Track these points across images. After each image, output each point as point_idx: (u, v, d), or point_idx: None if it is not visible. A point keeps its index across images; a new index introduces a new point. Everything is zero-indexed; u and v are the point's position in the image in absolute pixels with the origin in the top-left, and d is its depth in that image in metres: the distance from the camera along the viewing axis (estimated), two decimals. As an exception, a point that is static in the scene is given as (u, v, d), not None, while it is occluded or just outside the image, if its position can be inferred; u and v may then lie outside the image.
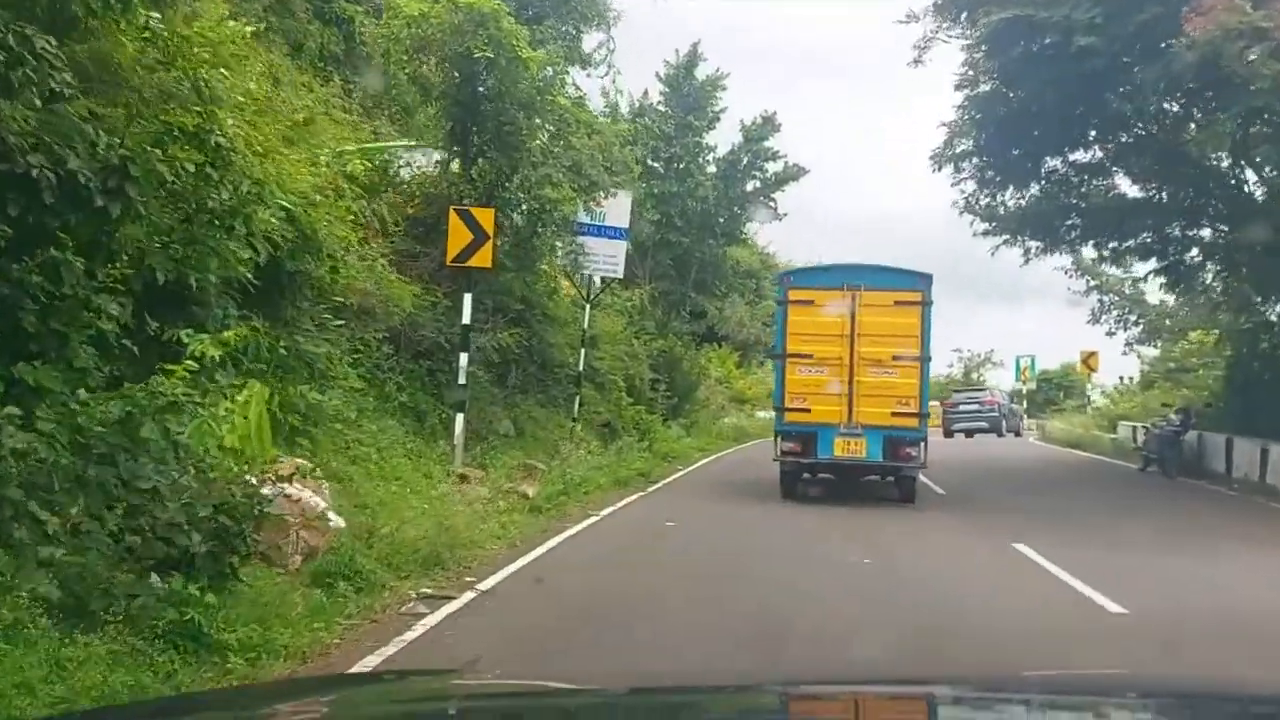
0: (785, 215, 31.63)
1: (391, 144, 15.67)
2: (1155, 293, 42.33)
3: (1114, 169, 22.82)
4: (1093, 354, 44.35)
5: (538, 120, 15.30)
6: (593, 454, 18.79)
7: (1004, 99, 19.34)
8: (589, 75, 17.29)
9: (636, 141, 30.04)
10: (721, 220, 31.27)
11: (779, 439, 15.82)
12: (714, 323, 42.63)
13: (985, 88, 19.61)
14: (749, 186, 31.33)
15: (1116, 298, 44.14)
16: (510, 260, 16.39)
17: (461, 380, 13.69)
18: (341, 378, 11.64)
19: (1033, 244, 24.52)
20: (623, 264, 20.37)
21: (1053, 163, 22.18)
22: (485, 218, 13.76)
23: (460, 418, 13.64)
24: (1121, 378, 45.49)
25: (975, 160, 21.54)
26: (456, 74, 14.82)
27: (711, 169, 31.24)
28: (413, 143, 16.02)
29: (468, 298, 13.77)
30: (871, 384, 14.87)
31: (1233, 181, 22.55)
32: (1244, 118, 14.89)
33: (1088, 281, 43.99)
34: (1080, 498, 18.01)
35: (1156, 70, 15.68)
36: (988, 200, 23.00)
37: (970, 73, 19.78)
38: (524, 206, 15.16)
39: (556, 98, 15.43)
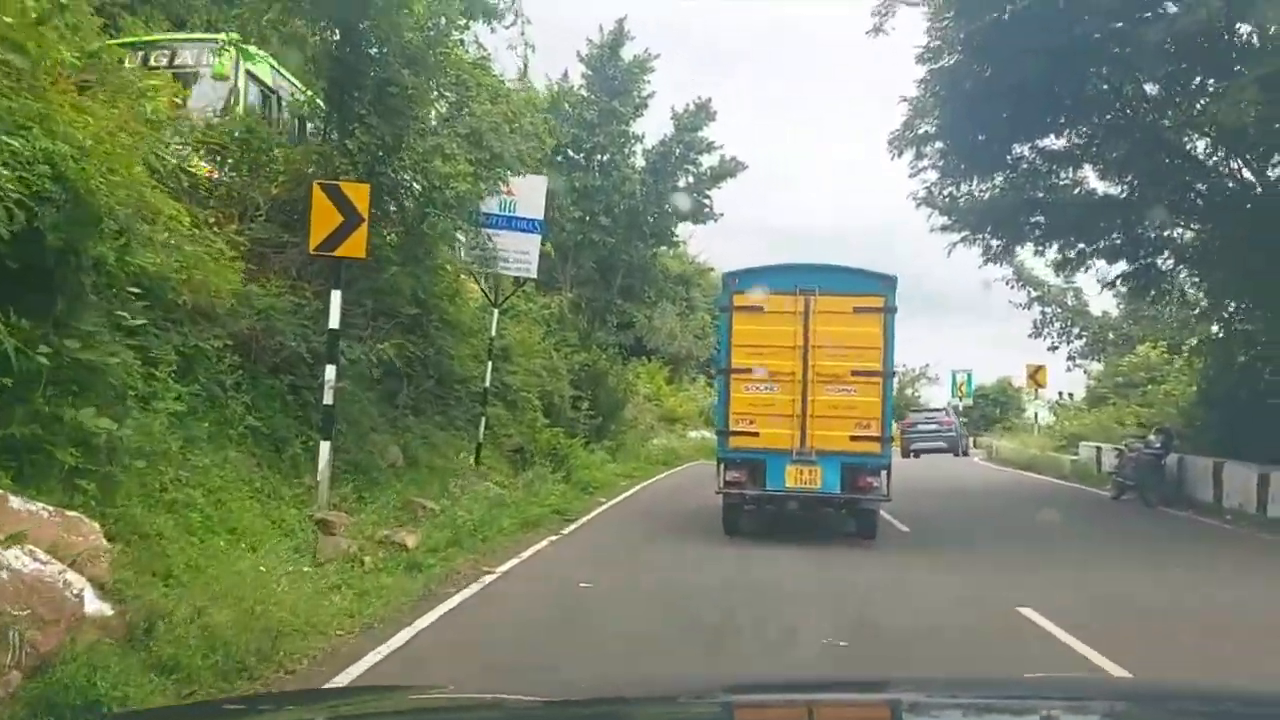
0: (721, 215, 29.40)
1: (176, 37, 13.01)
2: (1099, 303, 42.02)
3: (1086, 160, 20.95)
4: (1040, 369, 42.96)
5: (428, 80, 12.73)
6: (500, 486, 16.32)
7: (972, 73, 17.31)
8: (493, 30, 14.62)
9: (553, 118, 27.64)
10: (651, 219, 28.90)
11: (722, 467, 13.91)
12: (643, 334, 40.32)
13: (950, 60, 17.54)
14: (681, 182, 28.95)
15: (1059, 309, 43.73)
16: (397, 253, 13.83)
17: (327, 399, 11.06)
18: (160, 396, 8.94)
19: (994, 242, 22.61)
20: (536, 262, 17.89)
21: (1020, 149, 20.28)
22: (358, 194, 11.19)
23: (325, 447, 11.00)
24: (1061, 393, 44.21)
25: (938, 144, 19.50)
26: (329, 21, 12.23)
27: (639, 162, 28.83)
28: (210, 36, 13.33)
29: (336, 296, 11.16)
30: (828, 403, 13.34)
31: (1219, 173, 20.88)
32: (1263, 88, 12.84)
33: (1029, 292, 43.47)
34: (1062, 535, 15.96)
35: (1159, 29, 13.58)
36: (950, 190, 21.06)
37: (935, 43, 17.74)
38: (414, 185, 12.57)
39: (451, 51, 12.89)
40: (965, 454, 42.83)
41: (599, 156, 28.46)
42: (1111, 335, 42.51)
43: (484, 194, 14.45)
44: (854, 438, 13.29)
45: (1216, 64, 16.37)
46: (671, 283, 31.31)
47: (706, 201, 28.94)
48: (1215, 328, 23.55)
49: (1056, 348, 40.01)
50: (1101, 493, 22.32)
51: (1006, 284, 42.55)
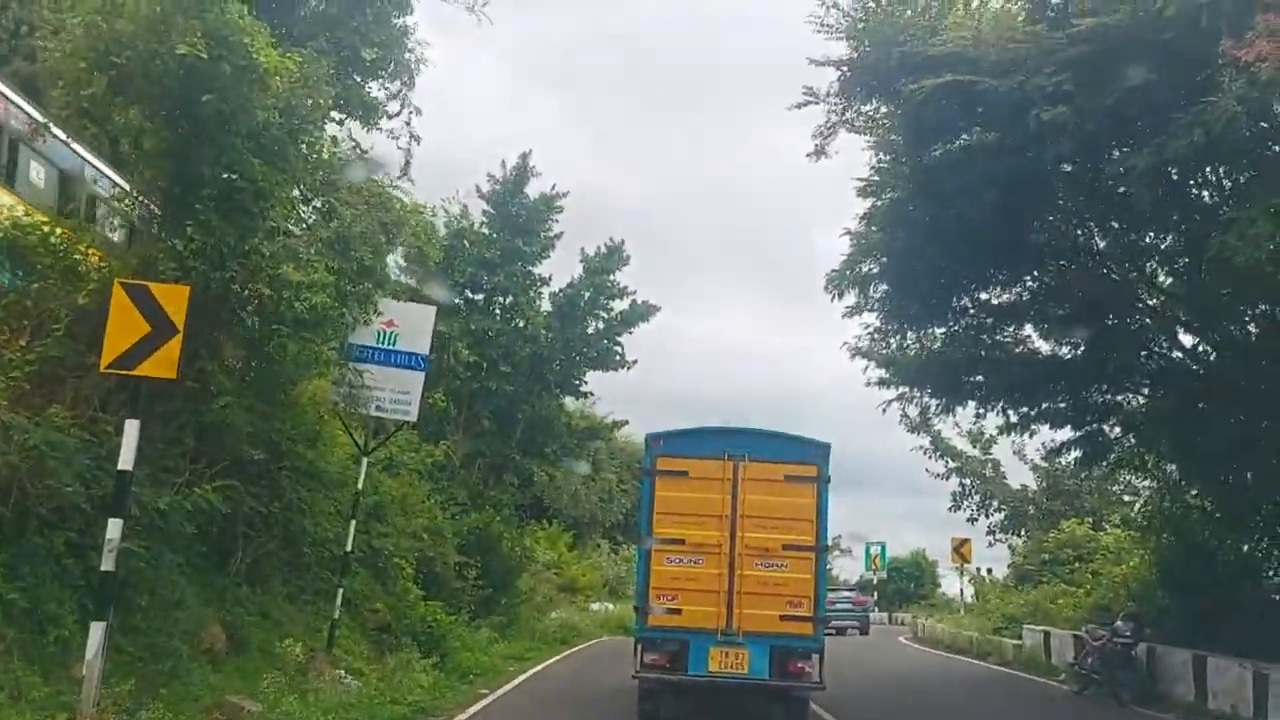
0: (634, 362, 27.42)
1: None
2: (1018, 476, 40.96)
3: (1029, 319, 19.75)
4: (965, 542, 41.39)
5: (287, 175, 10.68)
6: (358, 674, 13.61)
7: (916, 212, 15.94)
8: (368, 130, 12.69)
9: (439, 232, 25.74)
10: (557, 367, 26.81)
11: (640, 647, 12.64)
12: (543, 493, 37.81)
13: (892, 197, 16.19)
14: (590, 328, 27.05)
15: (978, 481, 42.66)
16: (236, 382, 11.46)
17: (106, 564, 8.51)
18: None
19: (933, 401, 21.08)
20: (418, 404, 15.58)
21: (964, 300, 18.95)
22: (174, 299, 8.95)
23: (98, 629, 8.40)
24: (979, 569, 42.59)
25: (881, 287, 18.04)
26: (159, 90, 10.16)
27: (545, 306, 26.94)
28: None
29: (132, 427, 8.73)
30: (757, 579, 12.40)
31: (1166, 338, 19.81)
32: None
33: (947, 463, 42.59)
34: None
35: (1146, 157, 12.19)
36: (893, 340, 19.59)
37: (877, 176, 16.44)
38: (262, 291, 10.33)
39: (317, 142, 10.91)
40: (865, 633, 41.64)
41: (500, 299, 26.54)
42: (1031, 509, 41.72)
43: (352, 316, 12.22)
44: (784, 618, 12.31)
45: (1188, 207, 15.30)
46: (579, 437, 28.95)
47: (618, 348, 27.01)
48: (1166, 502, 22.08)
49: (975, 520, 39.93)
50: (1055, 684, 20.25)
51: (924, 452, 42.40)
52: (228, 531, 12.37)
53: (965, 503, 42.28)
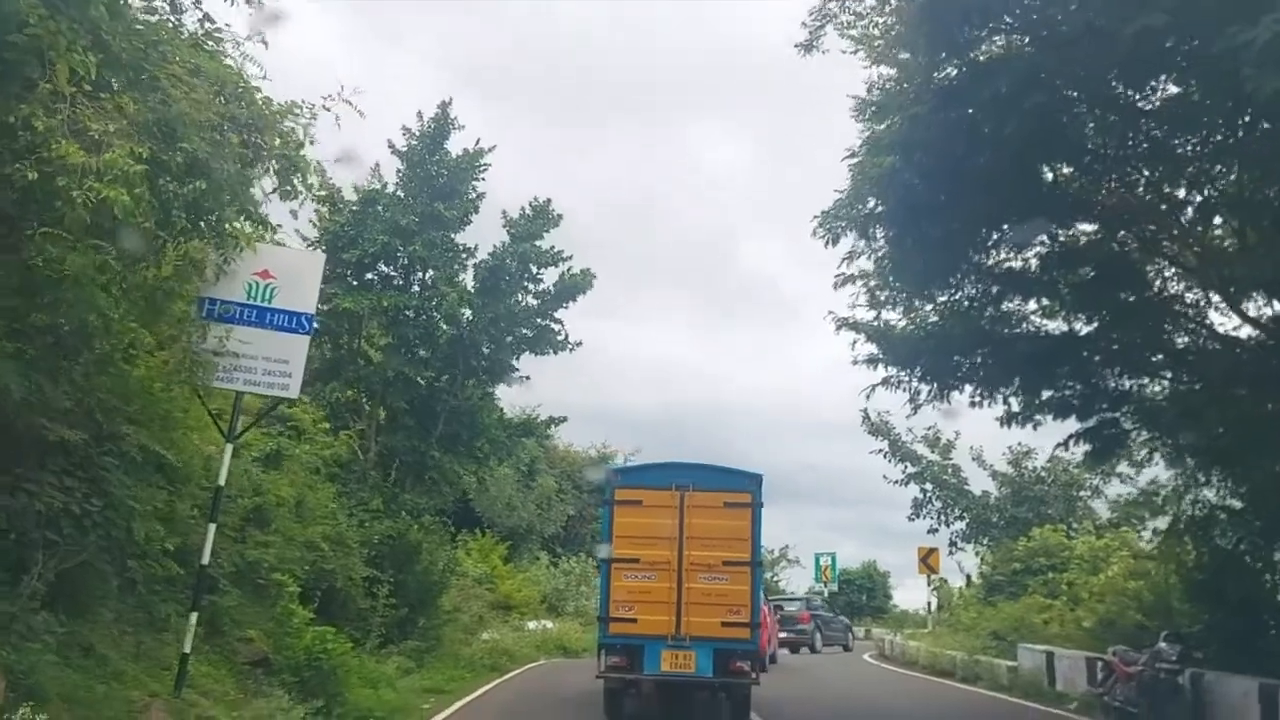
0: (579, 344, 24.25)
1: None
2: (979, 482, 39.18)
3: (1043, 291, 17.12)
4: (933, 551, 39.13)
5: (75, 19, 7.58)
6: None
7: (933, 133, 13.11)
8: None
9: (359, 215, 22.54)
10: (484, 350, 23.67)
11: (603, 652, 15.02)
12: (473, 499, 34.65)
13: (901, 115, 13.29)
14: (520, 303, 23.80)
15: (938, 489, 40.45)
16: None
17: None
18: None
19: (923, 386, 18.37)
20: (300, 376, 12.47)
21: (976, 258, 16.15)
22: None
23: None
24: (932, 578, 40.33)
25: (880, 233, 15.22)
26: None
27: (470, 282, 23.72)
28: None
29: None
30: (701, 591, 14.64)
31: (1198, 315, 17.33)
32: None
33: (906, 468, 40.46)
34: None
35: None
36: (890, 303, 16.87)
37: (878, 95, 13.63)
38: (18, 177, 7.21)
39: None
40: (846, 647, 40.51)
41: (419, 272, 23.34)
42: (995, 517, 39.70)
43: (181, 235, 9.10)
44: (725, 624, 14.49)
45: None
46: (510, 433, 25.67)
47: (555, 325, 23.86)
48: (1187, 505, 19.57)
49: (936, 530, 38.75)
50: (1069, 715, 17.61)
51: (884, 456, 40.31)
52: (21, 538, 9.26)
53: (925, 510, 40.96)
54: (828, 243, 15.08)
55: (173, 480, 12.03)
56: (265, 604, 13.96)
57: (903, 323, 17.52)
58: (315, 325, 13.10)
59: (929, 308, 17.49)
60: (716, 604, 14.48)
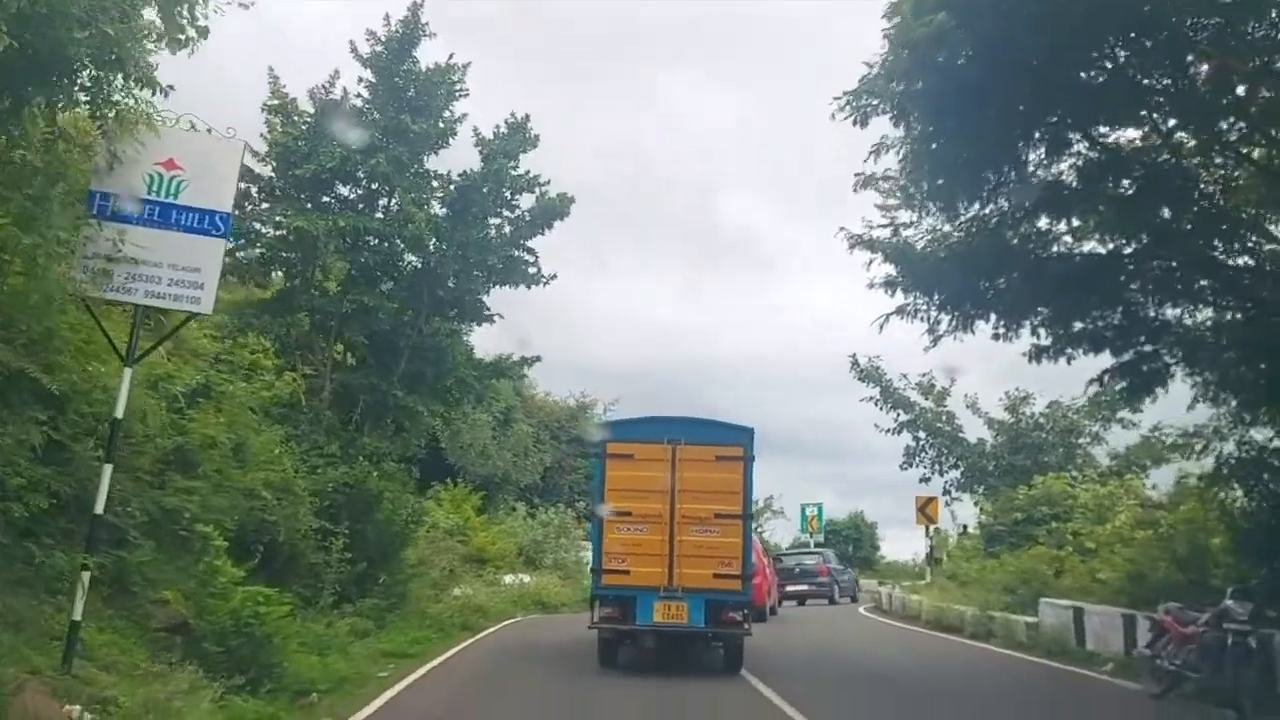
0: (553, 277, 22.14)
1: None
2: (974, 430, 37.68)
3: (1083, 199, 15.12)
4: (931, 500, 37.48)
5: None
6: (102, 712, 8.67)
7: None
8: None
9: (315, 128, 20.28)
10: (451, 283, 21.56)
11: (596, 604, 15.44)
12: (445, 446, 32.69)
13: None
14: (492, 231, 21.61)
15: (932, 437, 38.77)
16: None
17: None
18: None
19: (943, 316, 16.45)
20: (214, 287, 10.43)
21: (1020, 156, 14.10)
22: None
23: None
24: (928, 528, 38.79)
25: (907, 126, 13.12)
26: None
27: (439, 210, 21.50)
28: None
29: None
30: (693, 543, 14.84)
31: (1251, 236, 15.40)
32: None
33: (898, 416, 38.83)
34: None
35: None
36: (916, 209, 14.86)
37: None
38: None
39: None
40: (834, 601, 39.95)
41: (383, 198, 21.13)
42: (991, 465, 38.21)
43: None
44: (717, 575, 14.73)
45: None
46: (481, 373, 23.52)
47: (529, 257, 21.71)
48: (1231, 446, 17.70)
49: (929, 479, 37.57)
50: (1103, 678, 15.90)
51: (874, 403, 38.76)
52: None
53: (918, 459, 39.63)
54: (856, 122, 12.87)
55: (58, 411, 10.01)
56: (187, 560, 11.99)
57: (924, 241, 15.50)
58: (232, 226, 10.99)
59: (951, 227, 15.46)
60: (708, 556, 14.74)
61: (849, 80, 13.11)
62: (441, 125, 21.23)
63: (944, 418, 38.67)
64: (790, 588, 37.19)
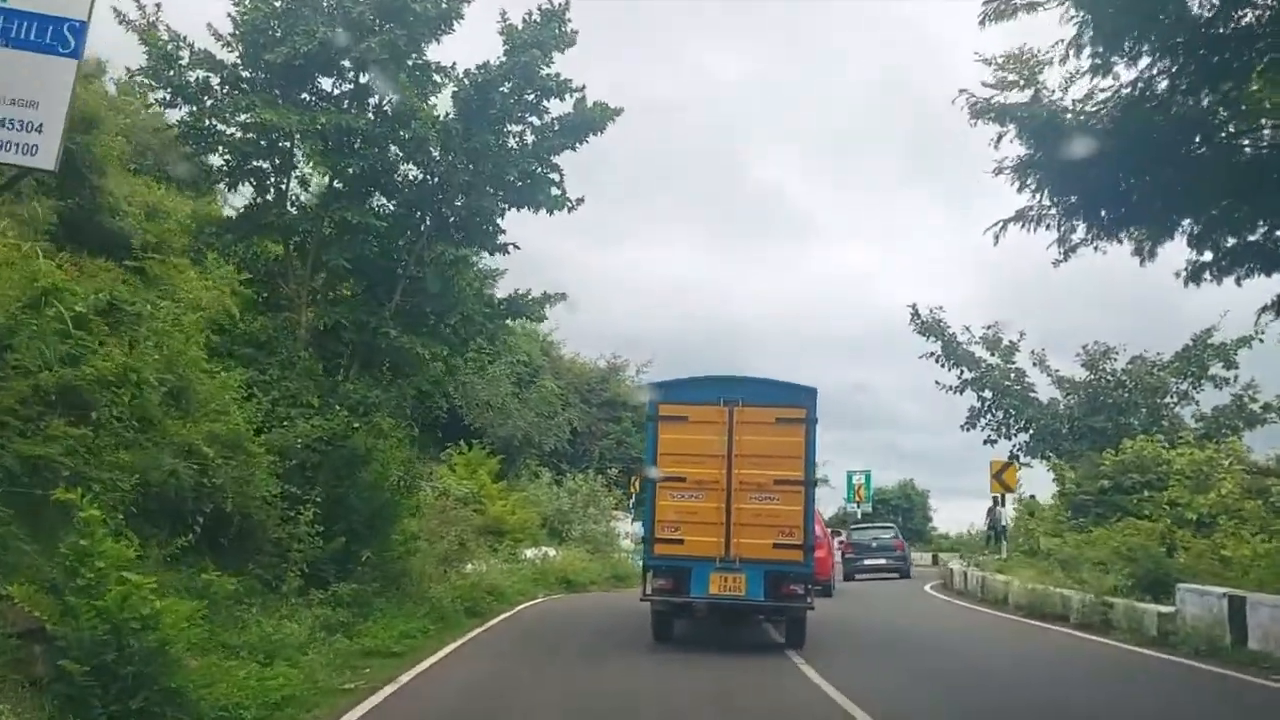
0: (580, 201, 18.40)
1: None
2: (1047, 390, 35.09)
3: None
4: (1008, 466, 33.93)
5: None
6: None
7: None
8: None
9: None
10: (459, 202, 18.00)
11: (648, 574, 14.99)
12: (461, 405, 29.30)
13: None
14: (511, 141, 17.89)
15: (999, 396, 35.98)
16: None
17: None
18: None
19: (1081, 225, 12.85)
20: (61, 130, 6.98)
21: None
22: None
23: None
24: (997, 498, 35.42)
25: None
26: None
27: (446, 109, 17.81)
28: None
29: None
30: (751, 512, 14.44)
31: None
32: None
33: (961, 373, 35.50)
34: None
35: None
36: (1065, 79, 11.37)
37: None
38: None
39: None
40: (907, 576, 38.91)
41: (373, 96, 17.53)
42: (1065, 429, 35.28)
43: None
44: (777, 545, 14.33)
45: None
46: (493, 312, 19.74)
47: (553, 176, 18.01)
48: None
49: (994, 441, 35.67)
50: (1258, 680, 12.37)
51: (935, 360, 35.63)
52: None
53: (985, 420, 36.68)
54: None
55: None
56: (52, 542, 8.60)
57: (1078, 103, 11.77)
58: (84, 41, 7.47)
59: (1107, 91, 11.74)
60: (768, 525, 14.37)
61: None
62: (445, 4, 17.39)
63: (1012, 375, 36.07)
64: (867, 561, 38.00)
